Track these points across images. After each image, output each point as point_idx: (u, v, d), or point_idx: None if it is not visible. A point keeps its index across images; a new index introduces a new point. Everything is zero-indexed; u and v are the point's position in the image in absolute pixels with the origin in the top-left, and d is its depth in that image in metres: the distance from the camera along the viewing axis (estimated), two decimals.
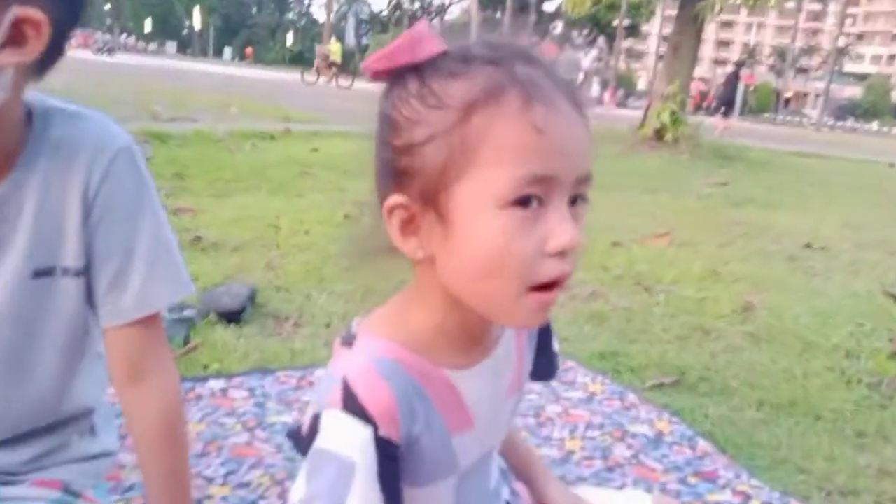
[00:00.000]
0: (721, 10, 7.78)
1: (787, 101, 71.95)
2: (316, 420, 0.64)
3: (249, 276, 2.27)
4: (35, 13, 0.68)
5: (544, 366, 0.83)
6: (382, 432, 0.62)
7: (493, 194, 0.57)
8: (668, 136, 7.78)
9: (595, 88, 41.82)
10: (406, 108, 0.61)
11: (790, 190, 6.08)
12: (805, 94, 73.54)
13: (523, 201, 0.57)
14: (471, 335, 0.68)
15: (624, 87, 51.37)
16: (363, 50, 62.73)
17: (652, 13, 43.12)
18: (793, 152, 11.17)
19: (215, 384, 1.49)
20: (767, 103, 65.38)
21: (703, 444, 1.44)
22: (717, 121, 13.24)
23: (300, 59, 60.38)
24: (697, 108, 38.42)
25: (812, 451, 1.48)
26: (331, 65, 21.89)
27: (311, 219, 3.16)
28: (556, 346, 0.84)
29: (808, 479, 1.38)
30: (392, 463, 0.63)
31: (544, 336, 0.82)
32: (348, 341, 0.69)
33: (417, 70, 0.61)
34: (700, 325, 2.19)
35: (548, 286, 0.59)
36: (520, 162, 0.57)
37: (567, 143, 0.59)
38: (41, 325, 0.83)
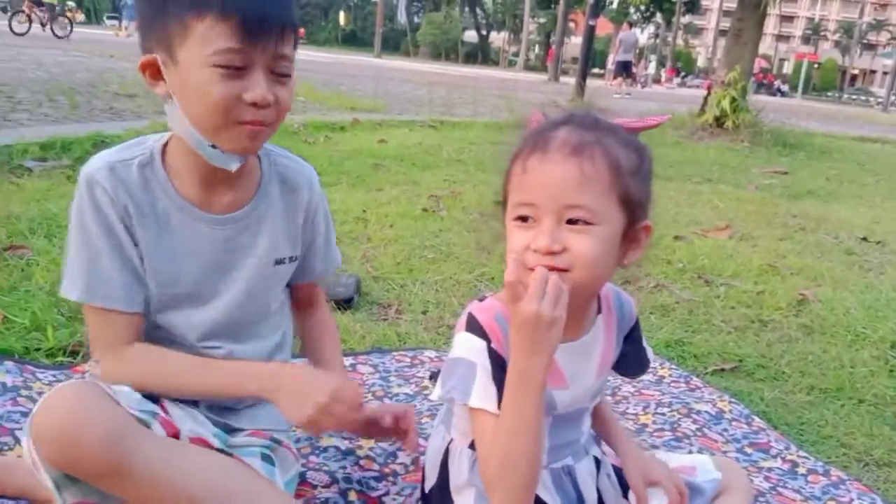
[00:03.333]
0: None
1: (853, 78, 69.42)
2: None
3: (350, 268, 2.58)
4: None
5: (633, 360, 1.12)
6: (493, 346, 0.95)
7: (510, 213, 0.93)
8: (729, 124, 7.83)
9: (652, 66, 41.05)
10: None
11: (850, 180, 6.14)
12: (872, 72, 70.73)
13: (523, 218, 0.92)
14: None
15: (682, 64, 50.33)
16: (415, 29, 62.91)
17: None
18: (855, 137, 11.00)
19: (345, 360, 1.79)
20: (832, 81, 63.31)
21: (758, 421, 1.69)
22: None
23: (353, 39, 61.00)
24: (760, 85, 37.51)
25: (854, 430, 1.71)
26: (39, 4, 16.42)
27: (392, 213, 3.45)
28: (645, 344, 1.12)
29: (848, 453, 1.61)
30: (501, 371, 0.94)
31: (635, 331, 1.10)
32: (480, 299, 1.01)
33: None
34: (758, 316, 2.41)
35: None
36: (516, 192, 0.93)
37: (547, 181, 0.90)
38: (270, 297, 1.19)
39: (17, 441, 1.27)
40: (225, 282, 1.12)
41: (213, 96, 0.95)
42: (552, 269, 0.88)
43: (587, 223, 0.89)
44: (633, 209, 0.93)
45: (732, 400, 1.78)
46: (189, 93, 0.98)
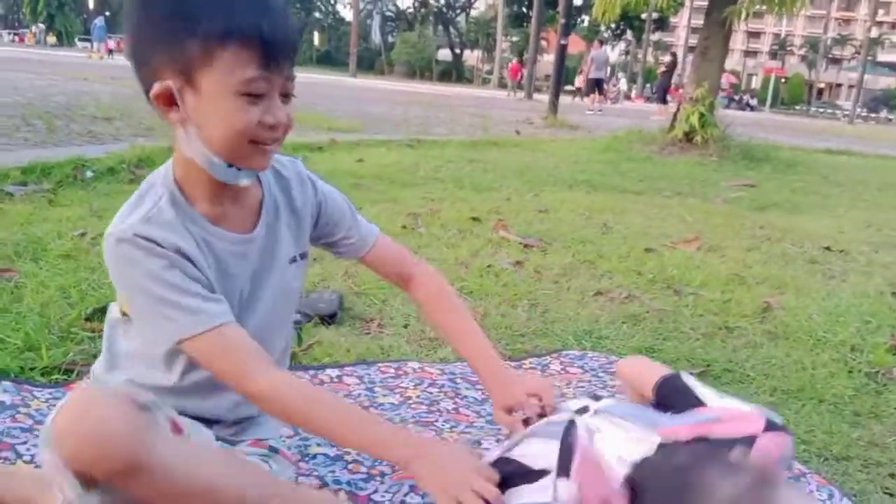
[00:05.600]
0: (749, 16, 8.00)
1: (820, 92, 70.97)
2: None
3: (333, 284, 2.66)
4: None
5: None
6: None
7: None
8: (698, 139, 8.04)
9: (623, 82, 41.54)
10: None
11: (815, 192, 6.34)
12: (838, 85, 72.36)
13: None
14: None
15: (651, 80, 51.11)
16: (389, 48, 63.23)
17: (680, 5, 42.85)
18: (822, 150, 11.32)
19: (331, 372, 1.87)
20: (800, 95, 64.64)
21: None
22: (656, 108, 18.24)
23: (328, 59, 61.19)
24: (730, 100, 38.25)
25: (814, 428, 1.81)
26: None
27: None
28: None
29: (809, 449, 1.71)
30: None
31: None
32: None
33: None
34: (724, 323, 2.52)
35: None
36: None
37: None
38: (291, 298, 1.27)
39: (19, 455, 1.33)
40: (262, 289, 1.18)
41: (238, 124, 0.99)
42: None
43: None
44: None
45: None
46: (211, 120, 1.00)
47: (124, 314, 1.12)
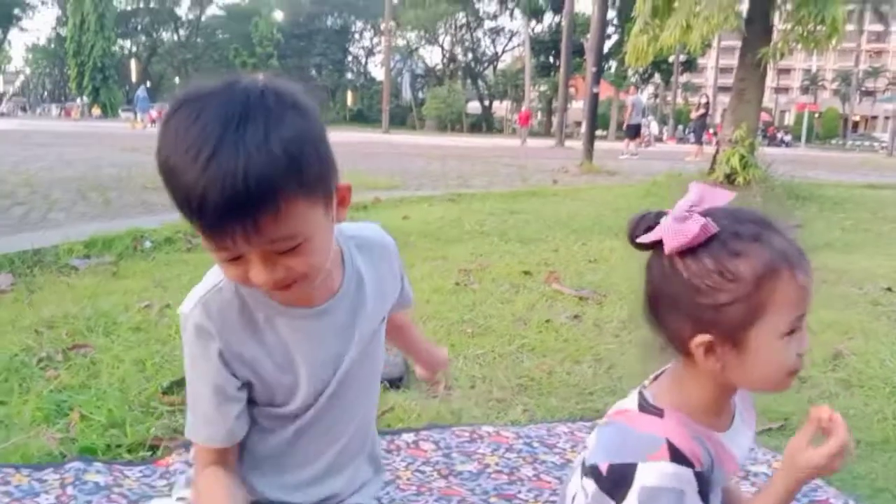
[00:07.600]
0: (783, 56, 8.01)
1: (856, 125, 70.13)
2: (629, 468, 1.00)
3: (393, 347, 2.67)
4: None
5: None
6: (698, 469, 1.01)
7: (778, 330, 0.98)
8: (739, 180, 7.99)
9: (654, 125, 41.61)
10: (710, 280, 0.97)
11: (866, 229, 6.21)
12: (874, 117, 71.44)
13: (791, 332, 0.99)
14: (721, 409, 1.09)
15: (683, 121, 51.10)
16: (420, 104, 64.48)
17: (708, 46, 42.94)
18: (865, 185, 11.14)
19: (407, 437, 1.87)
20: (835, 129, 64.06)
21: None
22: (691, 149, 18.96)
23: (360, 117, 62.62)
24: (766, 137, 37.80)
25: None
26: None
27: (426, 288, 3.53)
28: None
29: None
30: (706, 486, 1.01)
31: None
32: (657, 413, 1.06)
33: (701, 246, 0.97)
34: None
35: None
36: (791, 305, 0.98)
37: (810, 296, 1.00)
38: (378, 359, 1.26)
39: None
40: (344, 356, 1.15)
41: (226, 275, 1.00)
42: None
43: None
44: None
45: None
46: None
47: None
